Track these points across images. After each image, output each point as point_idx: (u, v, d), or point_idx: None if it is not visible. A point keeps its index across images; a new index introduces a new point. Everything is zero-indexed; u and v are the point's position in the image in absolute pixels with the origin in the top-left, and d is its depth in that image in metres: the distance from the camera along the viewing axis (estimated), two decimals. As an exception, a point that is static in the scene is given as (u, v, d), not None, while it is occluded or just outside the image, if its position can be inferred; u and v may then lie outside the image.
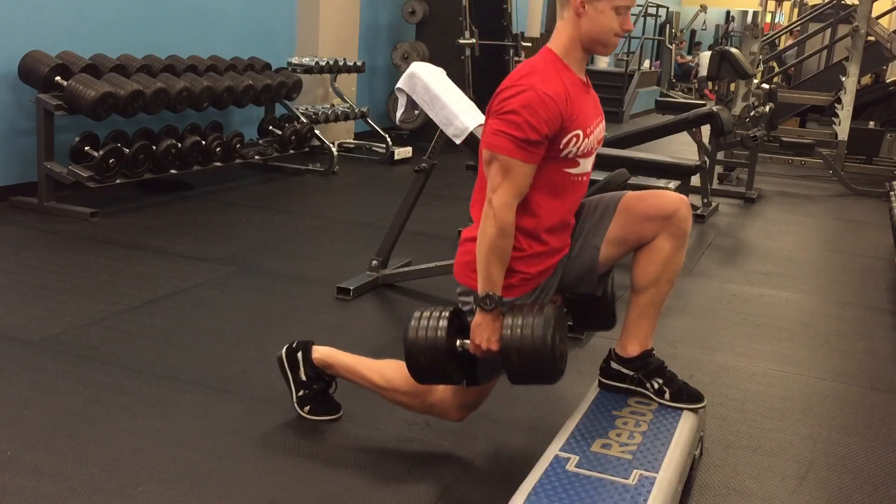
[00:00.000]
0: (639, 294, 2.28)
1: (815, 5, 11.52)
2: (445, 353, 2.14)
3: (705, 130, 6.19)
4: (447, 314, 2.18)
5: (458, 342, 2.17)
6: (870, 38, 8.34)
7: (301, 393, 2.53)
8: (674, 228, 2.21)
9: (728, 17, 24.13)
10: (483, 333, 2.11)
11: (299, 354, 2.53)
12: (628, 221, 2.22)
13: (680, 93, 15.78)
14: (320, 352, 2.52)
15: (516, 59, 8.55)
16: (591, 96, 2.23)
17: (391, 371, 2.43)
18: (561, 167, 2.14)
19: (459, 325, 2.20)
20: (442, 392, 2.36)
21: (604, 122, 2.29)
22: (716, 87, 12.10)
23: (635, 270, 2.27)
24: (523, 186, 2.08)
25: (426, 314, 2.19)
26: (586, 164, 2.21)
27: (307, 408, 2.53)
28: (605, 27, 2.10)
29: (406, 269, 3.99)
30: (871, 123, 9.33)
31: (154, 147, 5.07)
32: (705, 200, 6.08)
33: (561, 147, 2.10)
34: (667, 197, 2.24)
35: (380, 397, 2.47)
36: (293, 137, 6.35)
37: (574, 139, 2.11)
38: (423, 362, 2.16)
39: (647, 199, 2.24)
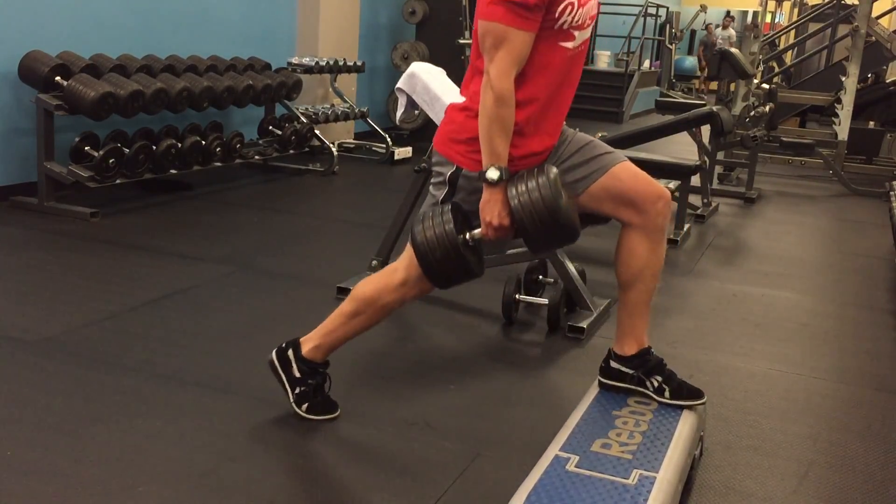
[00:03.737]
0: (626, 291, 2.29)
1: (815, 5, 11.52)
2: (460, 243, 2.12)
3: (705, 130, 6.19)
4: (448, 208, 2.17)
5: (467, 235, 2.15)
6: (870, 38, 8.34)
7: (297, 390, 2.52)
8: (649, 223, 2.21)
9: (728, 16, 24.09)
10: (493, 209, 2.09)
11: (290, 352, 2.51)
12: (610, 189, 2.22)
13: (680, 93, 15.77)
14: (308, 343, 2.50)
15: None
16: None
17: (354, 293, 2.42)
18: (556, 41, 2.12)
19: (462, 220, 2.18)
20: (406, 267, 2.32)
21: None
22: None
23: (618, 268, 2.27)
24: (521, 56, 2.06)
25: (428, 215, 2.18)
26: (581, 38, 2.18)
27: (305, 406, 2.52)
28: None
29: (406, 269, 3.98)
30: (871, 123, 9.33)
31: (154, 147, 5.07)
32: (705, 200, 6.08)
33: (556, 16, 2.07)
34: (649, 187, 2.24)
35: (377, 395, 2.47)
36: (293, 137, 6.35)
37: (569, 7, 2.08)
38: (438, 256, 2.14)
39: (633, 179, 2.24)
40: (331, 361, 2.56)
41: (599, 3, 2.27)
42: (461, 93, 2.25)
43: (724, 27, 18.64)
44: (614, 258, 2.28)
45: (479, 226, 2.17)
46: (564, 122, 2.32)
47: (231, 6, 6.46)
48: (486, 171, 2.08)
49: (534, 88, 2.13)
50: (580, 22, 2.13)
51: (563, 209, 2.02)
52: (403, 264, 2.33)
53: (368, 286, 2.41)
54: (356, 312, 2.42)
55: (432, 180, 2.28)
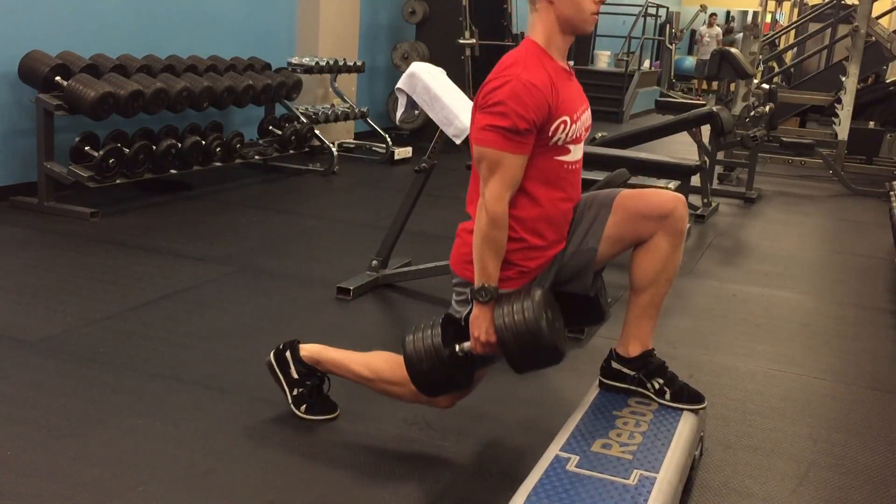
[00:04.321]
0: (638, 294, 2.28)
1: (815, 5, 11.52)
2: (447, 357, 2.17)
3: (705, 130, 6.19)
4: (438, 321, 2.23)
5: (457, 347, 2.19)
6: (870, 38, 8.34)
7: (295, 392, 2.53)
8: (670, 228, 2.21)
9: (728, 17, 24.14)
10: (481, 325, 2.11)
11: (287, 354, 2.53)
12: (624, 220, 2.21)
13: (680, 93, 15.78)
14: (308, 349, 2.53)
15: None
16: (574, 84, 2.24)
17: (377, 362, 2.45)
18: (553, 156, 2.15)
19: (454, 331, 2.23)
20: None
21: (589, 110, 2.28)
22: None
23: (634, 271, 2.27)
24: (514, 178, 2.08)
25: (420, 326, 2.25)
26: (577, 152, 2.21)
27: (303, 407, 2.53)
28: (579, 7, 2.11)
29: (406, 269, 3.99)
30: (871, 123, 9.33)
31: (154, 147, 5.07)
32: (705, 200, 6.08)
33: (550, 135, 2.10)
34: (663, 196, 2.23)
35: (377, 395, 2.48)
36: (293, 137, 6.35)
37: (562, 125, 2.11)
38: (424, 369, 2.20)
39: (643, 197, 2.23)
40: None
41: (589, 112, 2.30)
42: (467, 209, 2.25)
43: (710, 25, 18.65)
44: (630, 260, 2.27)
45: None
46: None
47: (231, 6, 6.46)
48: (476, 289, 2.10)
49: (538, 206, 2.15)
50: (575, 136, 2.17)
51: (544, 332, 2.04)
52: None
53: (392, 372, 2.39)
54: (370, 379, 2.45)
55: (455, 298, 2.30)
